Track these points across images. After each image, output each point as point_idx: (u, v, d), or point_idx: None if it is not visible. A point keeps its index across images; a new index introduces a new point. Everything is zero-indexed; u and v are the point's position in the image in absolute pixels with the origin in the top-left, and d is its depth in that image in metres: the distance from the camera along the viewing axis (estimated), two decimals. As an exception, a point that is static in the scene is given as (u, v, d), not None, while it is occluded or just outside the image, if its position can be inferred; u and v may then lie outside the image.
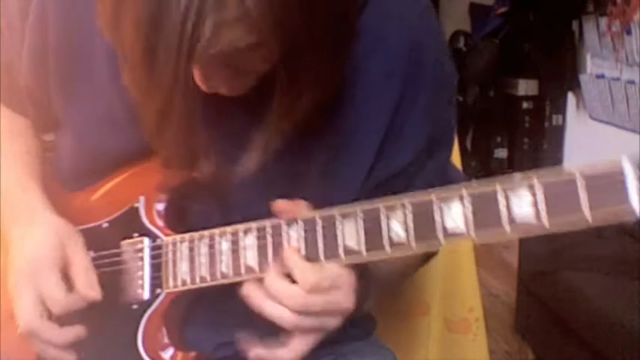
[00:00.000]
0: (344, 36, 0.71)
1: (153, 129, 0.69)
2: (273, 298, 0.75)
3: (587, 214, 0.63)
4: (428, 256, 0.99)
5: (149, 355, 0.84)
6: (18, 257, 0.84)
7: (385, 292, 1.00)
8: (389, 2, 0.84)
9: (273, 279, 0.75)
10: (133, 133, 0.83)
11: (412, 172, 0.84)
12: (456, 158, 1.35)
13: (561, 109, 4.00)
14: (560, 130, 3.99)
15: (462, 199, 0.68)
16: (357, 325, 0.98)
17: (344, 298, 0.75)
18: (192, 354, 0.85)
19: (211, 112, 0.70)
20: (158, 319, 0.85)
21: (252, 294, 0.77)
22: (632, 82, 3.21)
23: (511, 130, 4.24)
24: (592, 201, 0.62)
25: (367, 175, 0.85)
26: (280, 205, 0.77)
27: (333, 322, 0.76)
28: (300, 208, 0.77)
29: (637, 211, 0.61)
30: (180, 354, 0.85)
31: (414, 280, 1.33)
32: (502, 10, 4.09)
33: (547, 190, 0.64)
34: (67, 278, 0.83)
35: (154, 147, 0.73)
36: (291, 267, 0.75)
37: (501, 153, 4.28)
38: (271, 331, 0.78)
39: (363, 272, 0.78)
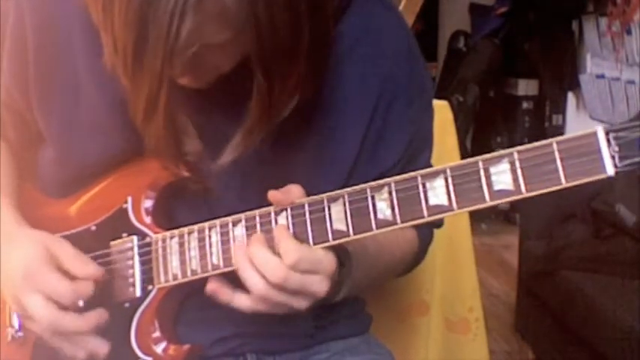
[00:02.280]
0: (321, 39, 0.75)
1: (141, 115, 0.72)
2: (255, 265, 0.76)
3: (561, 174, 0.66)
4: (417, 258, 1.00)
5: (142, 351, 0.86)
6: (5, 271, 0.85)
7: (367, 289, 1.00)
8: (366, 11, 0.89)
9: (260, 248, 0.77)
10: (116, 138, 0.86)
11: (395, 175, 0.86)
12: (455, 158, 1.35)
13: (561, 109, 4.01)
14: (560, 130, 3.99)
15: (444, 173, 0.71)
16: (353, 321, 1.00)
17: (319, 283, 0.76)
18: (186, 347, 0.86)
19: (194, 105, 0.73)
20: (150, 314, 0.86)
21: (234, 256, 0.78)
22: (632, 82, 3.21)
23: (511, 130, 4.25)
24: (566, 162, 0.66)
25: (352, 175, 0.87)
26: (274, 194, 0.78)
27: (300, 304, 0.77)
28: (293, 194, 0.78)
29: (609, 168, 0.64)
30: (172, 347, 0.86)
31: (414, 280, 1.33)
32: (502, 10, 4.10)
33: (524, 157, 0.68)
34: (63, 272, 0.84)
35: (142, 132, 0.75)
36: (279, 241, 0.76)
37: (501, 153, 4.28)
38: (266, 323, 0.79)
39: (343, 263, 0.80)
